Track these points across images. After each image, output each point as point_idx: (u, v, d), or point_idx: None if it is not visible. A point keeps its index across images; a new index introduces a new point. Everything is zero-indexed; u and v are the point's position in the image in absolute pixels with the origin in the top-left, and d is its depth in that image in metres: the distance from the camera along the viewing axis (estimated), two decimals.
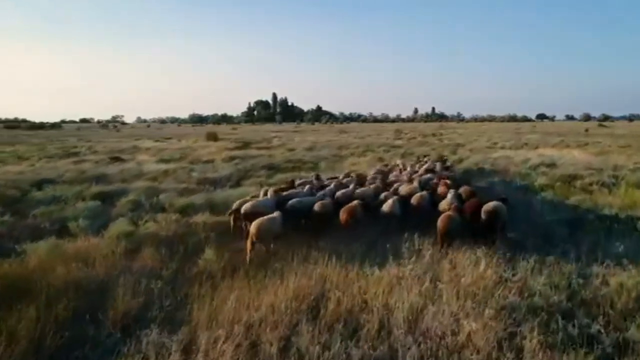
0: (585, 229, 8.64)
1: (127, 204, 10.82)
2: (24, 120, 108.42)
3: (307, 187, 10.55)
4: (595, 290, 5.78)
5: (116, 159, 21.91)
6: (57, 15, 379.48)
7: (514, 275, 6.15)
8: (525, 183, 14.19)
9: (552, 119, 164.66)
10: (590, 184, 13.71)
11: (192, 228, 8.77)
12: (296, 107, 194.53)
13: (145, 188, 12.98)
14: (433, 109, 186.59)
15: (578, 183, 13.89)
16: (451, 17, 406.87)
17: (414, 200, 9.31)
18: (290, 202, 8.91)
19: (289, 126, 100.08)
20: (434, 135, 46.83)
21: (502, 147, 29.91)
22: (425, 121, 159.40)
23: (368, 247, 7.60)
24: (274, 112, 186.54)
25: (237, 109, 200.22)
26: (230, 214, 8.85)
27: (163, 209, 10.47)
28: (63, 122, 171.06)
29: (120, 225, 8.41)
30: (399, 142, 36.27)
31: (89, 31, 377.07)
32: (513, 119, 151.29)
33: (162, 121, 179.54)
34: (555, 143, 31.95)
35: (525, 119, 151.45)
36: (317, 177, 12.64)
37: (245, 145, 30.77)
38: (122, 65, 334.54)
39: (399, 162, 17.27)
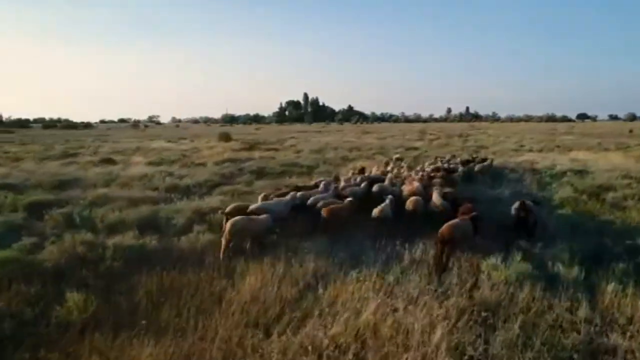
0: (607, 272, 6.28)
1: (56, 218, 9.20)
2: (60, 120, 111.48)
3: (332, 188, 10.20)
4: None
5: (108, 161, 20.69)
6: (101, 20, 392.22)
7: None
8: (542, 195, 11.73)
9: (594, 119, 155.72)
10: (625, 198, 11.16)
11: (98, 253, 7.01)
12: (327, 107, 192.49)
13: (96, 197, 11.41)
14: (467, 108, 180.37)
15: (610, 196, 11.36)
16: (485, 15, 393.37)
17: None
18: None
19: (316, 126, 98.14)
20: (459, 136, 43.83)
21: (530, 150, 27.01)
22: (459, 121, 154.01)
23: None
24: (305, 112, 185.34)
25: (269, 109, 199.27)
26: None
27: (93, 227, 8.80)
28: (102, 121, 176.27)
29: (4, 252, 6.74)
30: (419, 144, 33.74)
31: (130, 34, 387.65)
32: (551, 119, 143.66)
33: (195, 121, 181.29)
34: (591, 145, 28.68)
35: (565, 119, 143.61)
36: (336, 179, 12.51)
37: (252, 146, 29.09)
38: (161, 66, 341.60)
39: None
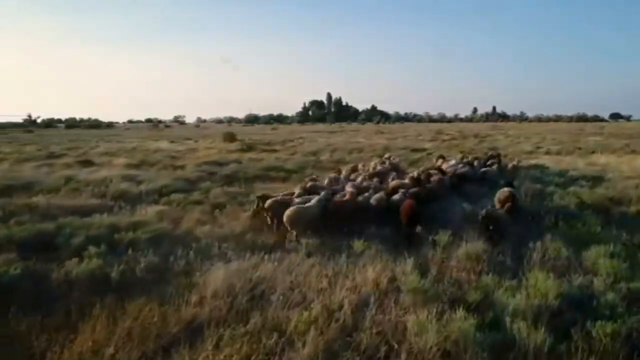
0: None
1: None
2: (86, 120, 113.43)
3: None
4: None
5: (86, 163, 19.58)
6: (132, 22, 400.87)
7: None
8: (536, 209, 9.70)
9: (628, 118, 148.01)
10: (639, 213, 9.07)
11: None
12: (351, 106, 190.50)
13: (21, 205, 10.09)
14: (494, 108, 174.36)
15: (618, 211, 9.27)
16: (512, 12, 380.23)
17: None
18: None
19: (334, 126, 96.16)
20: (475, 136, 41.27)
21: (547, 152, 24.58)
22: (485, 121, 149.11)
23: None
24: (328, 112, 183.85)
25: (293, 109, 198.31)
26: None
27: None
28: (130, 121, 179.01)
29: None
30: (429, 145, 31.58)
31: (157, 36, 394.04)
32: (582, 118, 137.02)
33: (220, 121, 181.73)
34: (617, 148, 25.94)
35: (596, 119, 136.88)
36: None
37: (250, 147, 27.62)
38: (187, 67, 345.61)
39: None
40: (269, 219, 8.55)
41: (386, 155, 18.47)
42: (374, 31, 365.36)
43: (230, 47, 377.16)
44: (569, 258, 6.67)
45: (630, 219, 8.77)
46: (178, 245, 7.40)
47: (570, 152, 24.75)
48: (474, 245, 6.89)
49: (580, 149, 25.63)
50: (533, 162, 19.39)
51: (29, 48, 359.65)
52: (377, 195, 9.19)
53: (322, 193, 8.94)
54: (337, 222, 8.29)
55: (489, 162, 15.60)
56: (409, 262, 6.27)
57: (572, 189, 11.81)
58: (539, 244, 7.07)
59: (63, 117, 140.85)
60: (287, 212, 7.91)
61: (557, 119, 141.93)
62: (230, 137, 35.39)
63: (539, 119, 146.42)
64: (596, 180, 13.84)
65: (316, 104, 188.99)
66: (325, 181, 11.66)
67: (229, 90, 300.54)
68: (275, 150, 27.00)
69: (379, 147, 28.73)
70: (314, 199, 8.59)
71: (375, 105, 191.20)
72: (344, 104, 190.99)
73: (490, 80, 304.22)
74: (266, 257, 6.81)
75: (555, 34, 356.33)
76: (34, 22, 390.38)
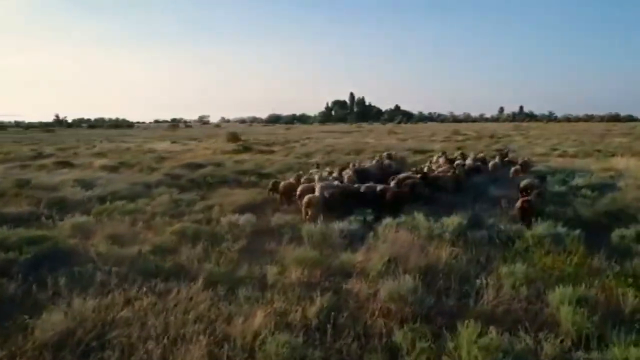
0: None
1: None
2: (108, 120, 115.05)
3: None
4: None
5: (64, 164, 18.76)
6: (157, 24, 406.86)
7: None
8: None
9: None
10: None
11: None
12: (374, 106, 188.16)
13: None
14: (521, 108, 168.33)
15: (617, 235, 7.46)
16: (539, 8, 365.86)
17: None
18: None
19: (351, 126, 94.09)
20: (491, 137, 38.95)
21: (562, 155, 22.40)
22: (511, 121, 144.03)
23: None
24: (351, 112, 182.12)
25: (316, 109, 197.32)
26: None
27: None
28: (157, 121, 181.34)
29: None
30: (438, 146, 29.62)
31: (179, 37, 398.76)
32: (614, 118, 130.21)
33: (242, 121, 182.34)
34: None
35: (630, 119, 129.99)
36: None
37: (247, 148, 26.40)
38: (212, 67, 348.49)
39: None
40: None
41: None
42: (399, 30, 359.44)
43: (257, 48, 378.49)
44: (528, 300, 5.04)
45: (627, 243, 6.97)
46: (59, 269, 6.15)
47: (588, 154, 22.50)
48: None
49: (599, 151, 23.28)
50: (537, 167, 17.39)
51: (65, 50, 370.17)
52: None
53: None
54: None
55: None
56: None
57: (572, 198, 10.00)
58: (494, 277, 5.45)
59: (93, 117, 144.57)
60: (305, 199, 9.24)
61: (588, 118, 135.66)
62: (233, 137, 34.36)
63: (568, 119, 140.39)
64: (604, 189, 11.92)
65: (339, 104, 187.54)
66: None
67: (253, 91, 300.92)
68: (271, 152, 25.73)
69: (382, 148, 27.05)
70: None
71: (399, 105, 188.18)
72: (366, 103, 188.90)
73: (519, 79, 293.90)
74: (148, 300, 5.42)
75: (585, 29, 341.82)
76: (76, 26, 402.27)
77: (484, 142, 32.62)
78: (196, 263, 6.51)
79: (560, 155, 22.20)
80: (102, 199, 11.05)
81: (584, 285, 5.08)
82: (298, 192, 10.02)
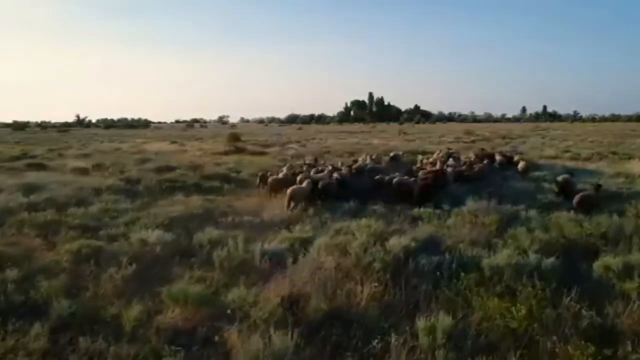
0: None
1: None
2: (129, 120, 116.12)
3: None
4: None
5: (37, 167, 17.86)
6: (176, 27, 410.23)
7: None
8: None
9: None
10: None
11: None
12: (393, 106, 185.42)
13: None
14: (544, 107, 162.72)
15: (600, 265, 5.81)
16: (566, 4, 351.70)
17: None
18: None
19: (366, 127, 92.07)
20: (504, 138, 36.73)
21: (574, 158, 20.39)
22: (533, 121, 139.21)
23: None
24: (370, 112, 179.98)
25: (335, 109, 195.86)
26: None
27: None
28: (177, 121, 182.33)
29: None
30: (442, 147, 27.81)
31: (201, 39, 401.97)
32: None
33: (261, 121, 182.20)
34: None
35: None
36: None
37: (240, 150, 25.10)
38: (232, 68, 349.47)
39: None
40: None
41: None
42: (419, 30, 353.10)
43: (277, 48, 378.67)
44: None
45: (610, 278, 5.33)
46: None
47: (603, 157, 20.45)
48: None
49: (615, 153, 21.13)
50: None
51: (93, 52, 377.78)
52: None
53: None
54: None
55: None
56: None
57: (558, 214, 8.31)
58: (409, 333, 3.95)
59: (117, 117, 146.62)
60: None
61: (614, 118, 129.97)
62: (234, 138, 33.23)
63: (593, 119, 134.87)
64: (609, 199, 10.17)
65: (358, 104, 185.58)
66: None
67: (274, 91, 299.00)
68: (263, 153, 24.40)
69: (382, 149, 25.47)
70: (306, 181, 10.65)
71: (419, 105, 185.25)
72: (386, 103, 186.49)
73: (543, 78, 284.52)
74: None
75: (611, 26, 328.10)
76: (103, 29, 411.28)
77: (494, 143, 30.60)
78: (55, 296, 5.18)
79: (572, 158, 20.21)
80: (33, 207, 9.91)
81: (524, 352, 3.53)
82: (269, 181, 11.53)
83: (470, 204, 9.13)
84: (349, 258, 5.65)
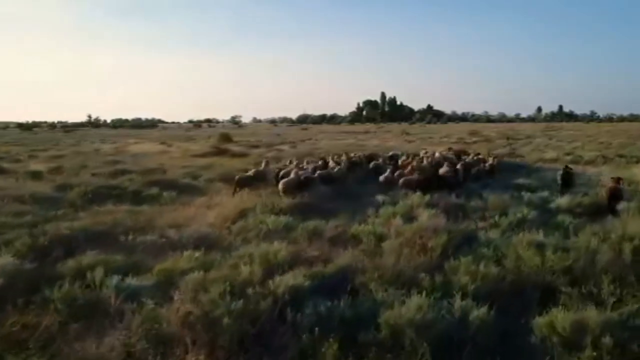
0: None
1: None
2: (139, 119, 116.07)
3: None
4: None
5: None
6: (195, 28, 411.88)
7: None
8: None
9: None
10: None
11: None
12: (405, 106, 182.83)
13: None
14: (560, 107, 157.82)
15: (554, 321, 4.18)
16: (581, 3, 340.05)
17: None
18: None
19: (371, 127, 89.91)
20: (507, 138, 34.60)
21: (575, 161, 18.46)
22: (548, 121, 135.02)
23: None
24: (382, 111, 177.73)
25: (347, 109, 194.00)
26: None
27: None
28: (190, 121, 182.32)
29: None
30: (441, 148, 26.07)
31: (217, 39, 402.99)
32: None
33: (273, 121, 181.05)
34: None
35: None
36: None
37: (221, 151, 23.72)
38: (247, 68, 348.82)
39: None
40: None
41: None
42: (432, 29, 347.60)
43: (291, 48, 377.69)
44: None
45: (551, 347, 3.71)
46: None
47: (608, 160, 18.49)
48: None
49: (622, 156, 19.11)
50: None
51: (112, 53, 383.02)
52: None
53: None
54: None
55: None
56: None
57: (521, 237, 6.63)
58: None
59: (131, 117, 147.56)
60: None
61: (633, 118, 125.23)
62: (224, 138, 32.04)
63: (610, 119, 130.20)
64: (596, 214, 8.46)
65: (370, 104, 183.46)
66: None
67: (287, 91, 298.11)
68: (246, 155, 23.02)
69: (375, 150, 23.86)
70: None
71: (432, 104, 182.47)
72: (398, 103, 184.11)
73: (559, 78, 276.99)
74: None
75: (629, 24, 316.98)
76: (121, 29, 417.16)
77: (495, 144, 28.69)
78: None
79: (573, 161, 18.28)
80: None
81: None
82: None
83: (423, 220, 7.53)
84: (199, 307, 4.11)
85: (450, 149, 19.49)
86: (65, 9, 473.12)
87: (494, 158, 14.73)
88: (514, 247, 5.98)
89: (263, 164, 13.30)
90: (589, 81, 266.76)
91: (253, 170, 12.76)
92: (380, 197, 9.98)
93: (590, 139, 32.74)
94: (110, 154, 23.76)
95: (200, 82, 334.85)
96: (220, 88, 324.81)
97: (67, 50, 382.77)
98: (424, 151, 17.97)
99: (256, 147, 28.78)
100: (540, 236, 6.46)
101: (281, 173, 12.02)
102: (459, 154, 16.85)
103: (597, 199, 9.46)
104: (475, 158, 15.37)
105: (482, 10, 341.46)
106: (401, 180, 11.16)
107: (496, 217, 7.95)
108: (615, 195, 8.86)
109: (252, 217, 8.48)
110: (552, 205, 9.07)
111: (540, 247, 5.98)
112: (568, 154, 20.42)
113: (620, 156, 19.15)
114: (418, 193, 9.72)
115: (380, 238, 6.91)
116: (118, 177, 14.14)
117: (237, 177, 12.10)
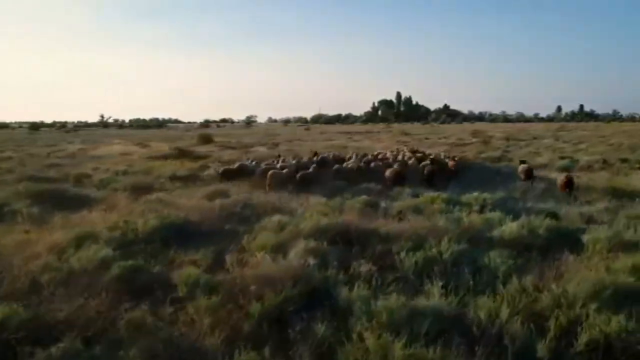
0: None
1: None
2: (156, 120, 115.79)
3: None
4: None
5: None
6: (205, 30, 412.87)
7: None
8: None
9: None
10: None
11: None
12: (421, 106, 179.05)
13: None
14: (581, 106, 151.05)
15: None
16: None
17: None
18: None
19: (382, 127, 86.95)
20: (507, 139, 31.72)
21: (567, 167, 15.79)
22: (569, 120, 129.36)
23: None
24: (397, 111, 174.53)
25: (363, 108, 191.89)
26: None
27: None
28: (206, 121, 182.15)
29: None
30: (439, 150, 23.57)
31: (228, 40, 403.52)
32: None
33: (287, 121, 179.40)
34: None
35: None
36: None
37: (183, 153, 21.53)
38: (262, 68, 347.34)
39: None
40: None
41: None
42: (449, 28, 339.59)
43: (308, 47, 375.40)
44: None
45: None
46: None
47: (609, 165, 15.72)
48: None
49: (625, 161, 16.26)
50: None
51: (130, 54, 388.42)
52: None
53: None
54: None
55: None
56: None
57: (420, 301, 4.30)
58: None
59: (149, 117, 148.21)
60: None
61: None
62: (205, 139, 30.19)
63: (633, 118, 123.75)
64: (563, 242, 6.06)
65: (385, 104, 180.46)
66: None
67: (303, 91, 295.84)
68: (204, 157, 20.96)
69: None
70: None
71: (448, 104, 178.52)
72: (414, 103, 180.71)
73: (581, 76, 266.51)
74: None
75: None
76: (138, 30, 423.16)
77: (493, 145, 26.02)
78: None
79: (566, 167, 15.57)
80: None
81: None
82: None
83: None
84: None
85: (416, 150, 18.07)
86: (83, 9, 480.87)
87: (453, 158, 12.62)
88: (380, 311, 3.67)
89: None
90: (612, 80, 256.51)
91: (237, 164, 13.72)
92: None
93: (602, 140, 29.60)
94: (62, 156, 22.06)
95: (218, 83, 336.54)
96: (238, 88, 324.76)
97: (88, 52, 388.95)
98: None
99: (232, 148, 26.79)
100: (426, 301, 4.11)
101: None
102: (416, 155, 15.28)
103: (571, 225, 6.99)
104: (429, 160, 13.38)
105: (502, 8, 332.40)
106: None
107: (402, 254, 5.59)
108: (570, 183, 10.58)
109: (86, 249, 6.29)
110: (496, 232, 6.60)
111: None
112: (563, 158, 17.67)
113: (624, 160, 16.31)
114: None
115: None
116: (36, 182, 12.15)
117: (221, 169, 13.13)
